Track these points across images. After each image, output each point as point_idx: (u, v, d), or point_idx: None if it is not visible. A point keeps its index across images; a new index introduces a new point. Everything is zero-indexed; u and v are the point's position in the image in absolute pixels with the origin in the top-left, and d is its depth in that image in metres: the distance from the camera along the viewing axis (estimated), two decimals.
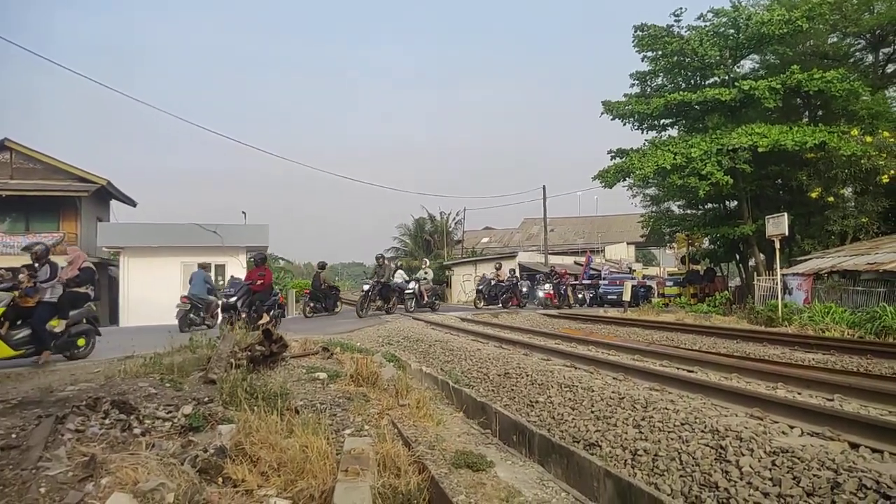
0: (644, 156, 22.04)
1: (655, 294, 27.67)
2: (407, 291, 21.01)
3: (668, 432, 5.00)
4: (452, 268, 42.97)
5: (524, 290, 25.55)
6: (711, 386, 6.51)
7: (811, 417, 5.05)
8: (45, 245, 9.02)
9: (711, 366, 8.33)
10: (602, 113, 24.65)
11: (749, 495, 3.82)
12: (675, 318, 18.38)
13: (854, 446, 4.46)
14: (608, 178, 23.59)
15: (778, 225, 16.76)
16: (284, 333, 8.79)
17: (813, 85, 19.76)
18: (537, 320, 19.07)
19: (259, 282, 13.07)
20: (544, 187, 39.41)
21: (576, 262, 38.71)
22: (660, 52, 22.99)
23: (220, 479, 3.76)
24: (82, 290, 9.23)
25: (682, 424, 5.07)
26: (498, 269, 25.48)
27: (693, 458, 4.48)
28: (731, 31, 21.92)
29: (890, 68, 24.39)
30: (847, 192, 21.69)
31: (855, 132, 19.58)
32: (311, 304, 21.16)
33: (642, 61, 24.07)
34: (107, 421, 4.38)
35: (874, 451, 4.34)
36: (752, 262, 24.35)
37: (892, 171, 18.84)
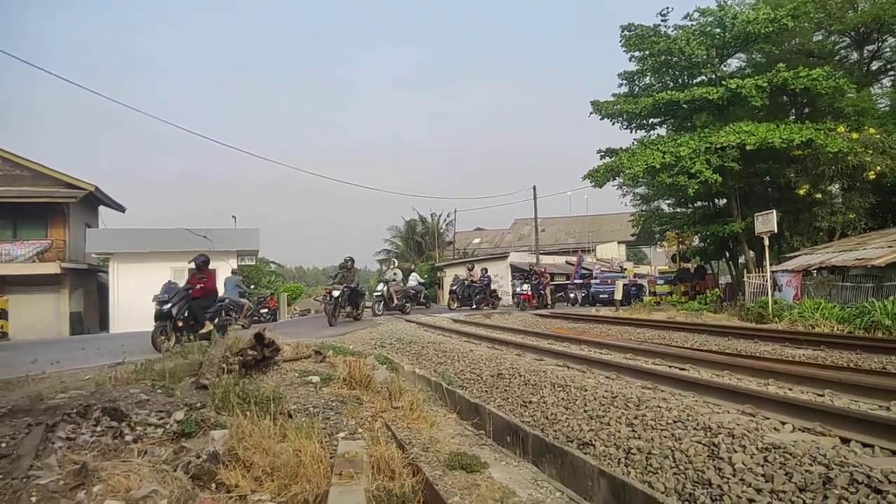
0: (633, 155, 22.13)
1: (647, 293, 27.81)
2: (375, 294, 20.36)
3: (661, 430, 5.02)
4: (444, 269, 42.96)
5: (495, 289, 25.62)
6: (703, 383, 6.54)
7: (802, 413, 5.08)
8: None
9: (703, 363, 8.37)
10: (591, 113, 24.73)
11: (742, 492, 3.84)
12: (667, 317, 18.46)
13: (845, 441, 4.49)
14: (598, 177, 23.66)
15: (767, 222, 16.87)
16: (276, 337, 8.76)
17: (799, 83, 19.90)
18: (529, 320, 19.10)
19: (199, 286, 11.92)
20: (535, 188, 39.54)
21: (567, 262, 38.85)
22: (647, 52, 23.09)
23: (213, 485, 3.73)
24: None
25: (675, 422, 5.10)
26: (470, 269, 25.23)
27: (686, 455, 4.50)
28: (718, 30, 22.05)
29: (874, 65, 24.62)
30: (834, 188, 21.85)
31: (841, 129, 19.75)
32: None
33: (630, 61, 24.19)
34: (98, 428, 4.34)
35: (865, 445, 4.38)
36: (741, 260, 24.49)
37: (879, 168, 18.99)
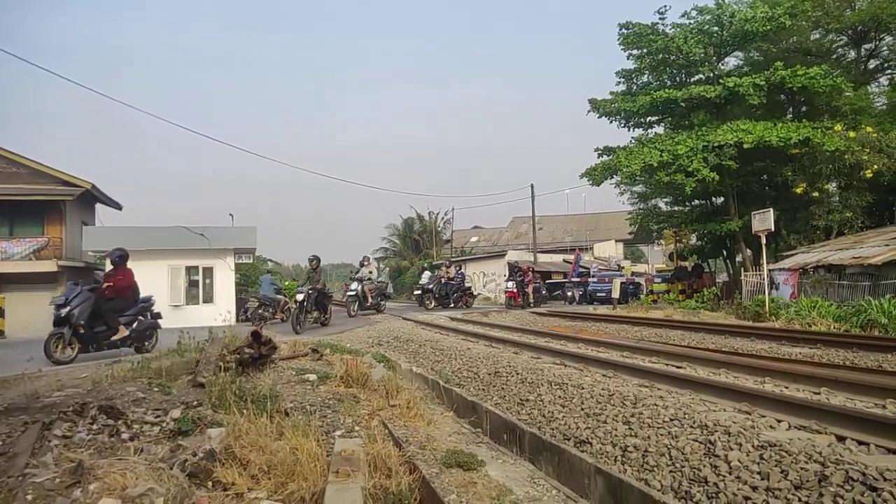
0: (631, 153, 22.16)
1: (644, 291, 27.83)
2: (349, 294, 19.49)
3: (658, 428, 5.03)
4: (441, 268, 42.91)
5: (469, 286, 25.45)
6: (700, 381, 6.55)
7: (798, 411, 5.09)
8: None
9: (700, 361, 8.38)
10: (588, 111, 24.75)
11: (738, 489, 3.85)
12: (664, 315, 18.48)
13: (841, 439, 4.50)
14: (596, 175, 23.69)
15: (764, 220, 16.90)
16: (274, 335, 8.76)
17: (796, 81, 19.94)
18: (527, 319, 19.11)
19: (106, 285, 10.55)
20: (532, 186, 39.49)
21: (565, 260, 38.83)
22: (645, 50, 23.11)
23: (210, 483, 3.73)
24: None
25: (672, 420, 5.10)
26: (447, 266, 24.87)
27: (682, 453, 4.51)
28: (715, 28, 22.08)
29: (872, 64, 24.66)
30: (831, 187, 21.89)
31: (838, 128, 19.78)
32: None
33: (628, 59, 24.21)
34: (94, 426, 4.34)
35: (860, 443, 4.39)
36: (739, 258, 24.54)
37: (876, 166, 19.02)
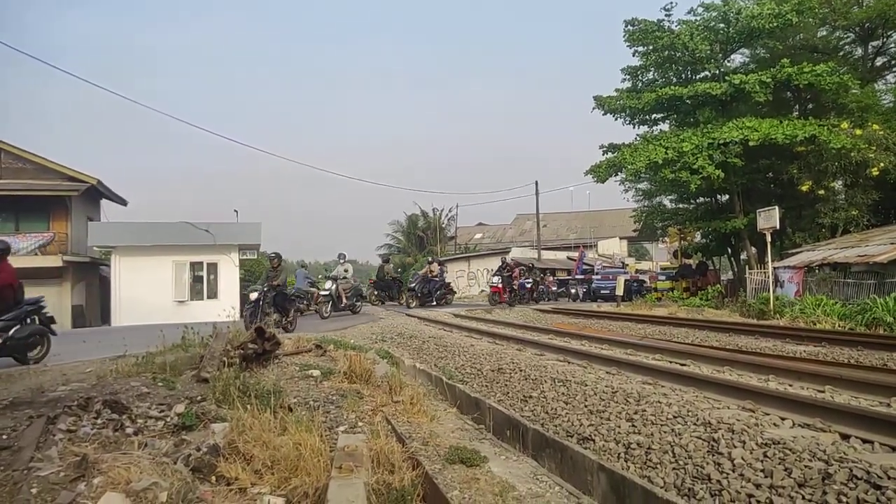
0: (636, 150, 22.12)
1: (648, 288, 27.80)
2: (322, 293, 17.72)
3: (661, 425, 5.02)
4: (445, 264, 42.98)
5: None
6: (704, 379, 6.54)
7: (802, 409, 5.08)
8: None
9: (704, 359, 8.37)
10: (594, 108, 24.71)
11: (741, 487, 3.84)
12: (668, 312, 18.45)
13: (845, 437, 4.49)
14: (600, 172, 23.65)
15: (769, 218, 16.85)
16: (277, 331, 8.78)
17: (803, 78, 19.87)
18: (531, 315, 19.10)
19: None
20: (537, 183, 39.45)
21: (569, 258, 38.88)
22: (650, 47, 23.06)
23: (214, 478, 3.75)
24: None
25: (675, 417, 5.09)
26: (430, 263, 24.19)
27: (686, 450, 4.50)
28: (722, 25, 22.01)
29: (879, 61, 24.56)
30: (837, 184, 21.83)
31: (845, 125, 19.70)
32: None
33: (633, 56, 24.16)
34: (99, 421, 4.36)
35: (865, 441, 4.38)
36: (743, 256, 24.48)
37: (882, 164, 18.95)
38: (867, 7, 22.28)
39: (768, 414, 5.14)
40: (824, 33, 24.77)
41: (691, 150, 20.18)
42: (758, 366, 7.57)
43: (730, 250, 26.62)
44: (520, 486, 4.33)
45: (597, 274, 30.49)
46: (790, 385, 6.54)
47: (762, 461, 4.03)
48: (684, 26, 22.21)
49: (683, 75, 24.04)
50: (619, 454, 4.92)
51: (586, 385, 6.59)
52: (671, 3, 22.56)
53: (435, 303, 22.39)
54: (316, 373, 7.08)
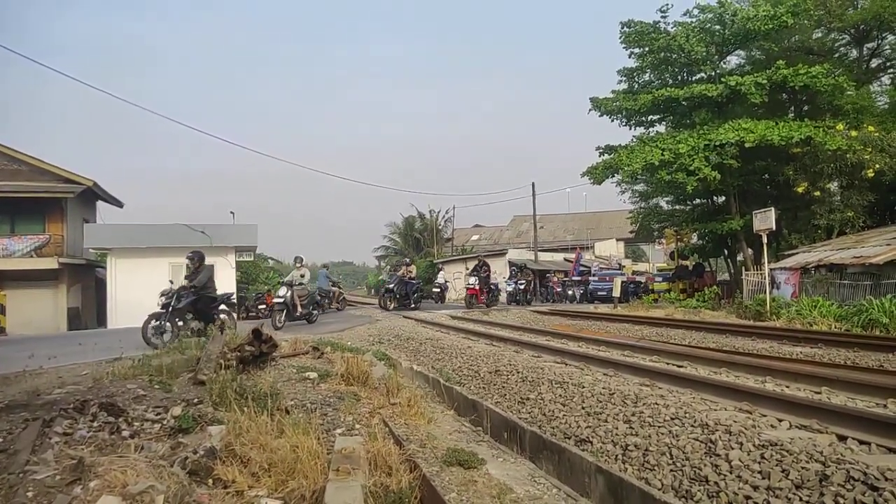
0: (632, 152, 22.14)
1: (645, 290, 27.82)
2: (276, 300, 15.84)
3: (659, 427, 5.02)
4: (442, 266, 42.97)
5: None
6: (701, 380, 6.55)
7: (799, 410, 5.09)
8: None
9: (701, 360, 8.38)
10: (590, 109, 24.74)
11: (739, 488, 3.84)
12: (665, 314, 18.47)
13: (842, 438, 4.50)
14: (597, 174, 23.66)
15: (765, 220, 16.88)
16: (274, 333, 8.76)
17: (798, 80, 19.91)
18: (528, 317, 19.11)
19: None
20: (533, 184, 39.45)
21: (566, 259, 38.83)
22: (647, 49, 23.09)
23: (211, 481, 3.73)
24: None
25: (672, 419, 5.10)
26: (407, 265, 23.40)
27: (683, 452, 4.50)
28: (717, 27, 22.05)
29: (874, 63, 24.64)
30: (833, 186, 21.86)
31: (840, 127, 19.76)
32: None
33: (630, 58, 24.20)
34: (95, 423, 4.34)
35: (861, 443, 4.39)
36: (740, 257, 24.52)
37: (877, 166, 19.00)
38: (862, 9, 22.35)
39: (765, 415, 5.15)
40: (819, 35, 24.83)
41: (687, 151, 20.21)
42: (755, 367, 7.59)
43: (726, 252, 26.66)
44: (517, 488, 4.32)
45: (594, 275, 30.50)
46: (787, 386, 6.55)
47: (759, 463, 4.04)
48: (680, 28, 22.24)
49: (679, 77, 24.08)
50: (616, 456, 4.93)
51: (584, 387, 6.60)
52: (667, 5, 22.61)
53: (413, 305, 21.74)
54: (313, 375, 7.06)
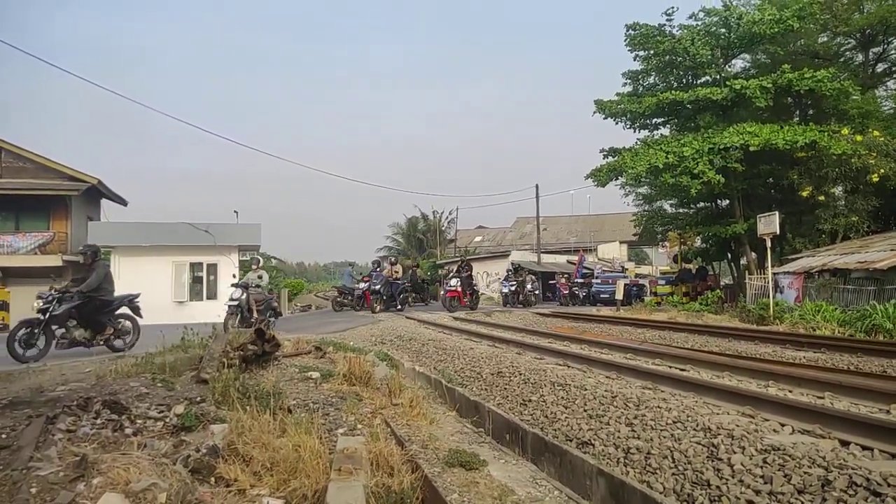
0: (636, 155, 22.09)
1: (648, 293, 27.77)
2: (230, 304, 13.97)
3: (661, 430, 5.02)
4: (445, 267, 42.98)
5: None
6: (703, 384, 6.54)
7: (802, 415, 5.08)
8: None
9: (703, 364, 8.37)
10: (594, 112, 24.69)
11: (741, 493, 3.84)
12: (668, 317, 18.44)
13: (844, 444, 4.49)
14: (601, 176, 23.63)
15: (769, 224, 16.85)
16: (277, 333, 8.77)
17: (804, 84, 19.87)
18: (530, 319, 19.10)
19: None
20: (537, 186, 39.44)
21: (568, 261, 38.82)
22: (651, 52, 23.04)
23: (213, 479, 3.75)
24: None
25: (675, 423, 5.09)
26: (393, 264, 22.49)
27: (685, 456, 4.50)
28: (723, 30, 22.01)
29: (880, 68, 24.55)
30: (837, 190, 21.82)
31: (845, 131, 19.69)
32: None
33: (634, 60, 24.13)
34: (98, 421, 4.36)
35: (864, 448, 4.38)
36: (743, 261, 24.46)
37: (882, 170, 18.94)
38: (868, 13, 22.29)
39: (768, 420, 5.14)
40: (825, 39, 24.77)
41: (692, 154, 20.17)
42: (757, 371, 7.57)
43: (730, 255, 26.60)
44: (519, 490, 4.32)
45: (596, 278, 30.46)
46: (790, 391, 6.54)
47: (762, 467, 4.03)
48: (685, 31, 22.20)
49: (684, 80, 24.04)
50: (618, 459, 4.92)
51: (586, 389, 6.59)
52: (672, 8, 22.60)
53: (399, 306, 21.02)
54: (315, 375, 7.08)
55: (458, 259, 23.63)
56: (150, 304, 11.66)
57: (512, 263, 27.99)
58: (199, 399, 5.24)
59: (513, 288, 25.14)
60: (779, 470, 3.93)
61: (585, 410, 6.01)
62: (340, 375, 7.00)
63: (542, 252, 40.21)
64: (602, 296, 27.76)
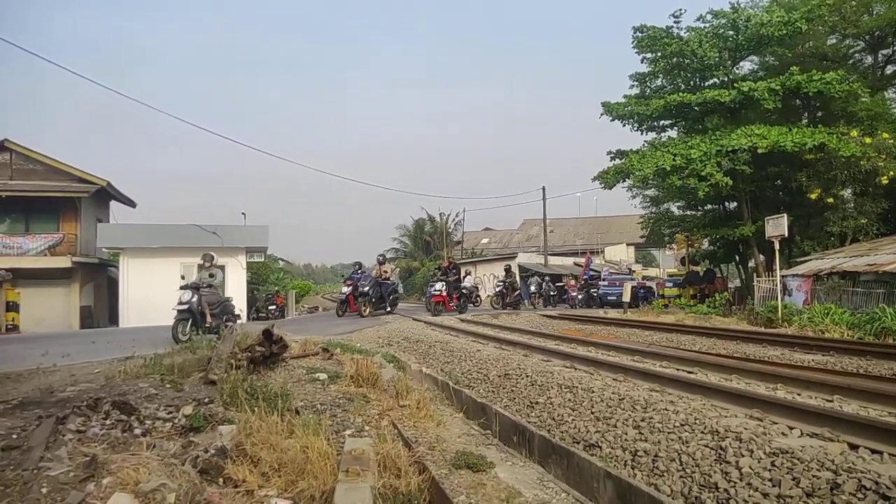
0: (643, 157, 22.06)
1: (655, 295, 27.70)
2: (179, 307, 12.02)
3: (668, 433, 5.01)
4: (377, 266, 42.81)
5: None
6: (711, 387, 6.52)
7: (811, 418, 5.05)
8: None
9: (711, 367, 8.33)
10: (602, 114, 24.68)
11: (749, 496, 3.83)
12: (675, 320, 18.38)
13: (853, 447, 4.46)
14: (608, 179, 23.60)
15: (777, 226, 16.78)
16: (284, 334, 8.80)
17: (812, 86, 19.79)
18: (537, 321, 19.07)
19: None
20: (544, 188, 39.48)
21: (575, 263, 38.78)
22: (659, 54, 23.01)
23: (221, 480, 3.76)
24: None
25: (682, 425, 5.08)
26: (382, 263, 21.54)
27: (693, 458, 4.49)
28: (731, 32, 21.95)
29: (889, 70, 24.42)
30: (846, 193, 21.71)
31: (854, 133, 19.61)
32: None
33: (642, 62, 24.12)
34: (107, 421, 4.39)
35: (873, 451, 4.35)
36: (751, 264, 24.37)
37: (892, 173, 18.86)
38: (877, 15, 22.17)
39: (776, 423, 5.12)
40: (834, 41, 24.66)
41: (699, 157, 20.12)
42: (766, 374, 7.53)
43: (737, 258, 26.50)
44: (526, 492, 4.32)
45: (604, 280, 30.41)
46: (798, 394, 6.51)
47: (770, 470, 4.02)
48: (693, 33, 22.16)
49: (692, 82, 23.98)
50: (625, 461, 4.91)
51: (593, 391, 6.58)
52: (680, 10, 22.56)
53: (389, 308, 20.14)
54: (323, 376, 7.10)
55: (449, 262, 22.47)
56: (159, 306, 11.68)
57: (504, 267, 27.37)
58: (207, 400, 5.26)
59: (498, 289, 24.69)
60: (787, 473, 3.91)
61: (593, 413, 6.00)
62: (348, 377, 7.02)
63: (550, 254, 40.16)
64: (609, 298, 27.69)
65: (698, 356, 9.82)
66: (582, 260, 36.23)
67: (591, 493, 4.50)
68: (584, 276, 30.19)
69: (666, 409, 5.52)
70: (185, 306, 12.04)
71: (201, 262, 13.89)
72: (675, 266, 34.18)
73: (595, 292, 28.61)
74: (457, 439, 5.61)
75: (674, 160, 20.50)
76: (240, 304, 20.75)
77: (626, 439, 5.21)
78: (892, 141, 19.33)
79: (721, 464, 4.29)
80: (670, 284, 28.53)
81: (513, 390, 7.64)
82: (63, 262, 23.28)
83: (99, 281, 26.86)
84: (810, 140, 19.02)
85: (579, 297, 28.32)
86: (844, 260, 17.31)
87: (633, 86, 25.25)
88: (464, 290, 22.02)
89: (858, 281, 16.03)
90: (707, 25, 22.33)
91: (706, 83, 23.44)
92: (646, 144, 24.50)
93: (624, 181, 23.97)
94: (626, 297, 25.00)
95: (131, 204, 30.16)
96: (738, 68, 24.05)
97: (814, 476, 3.79)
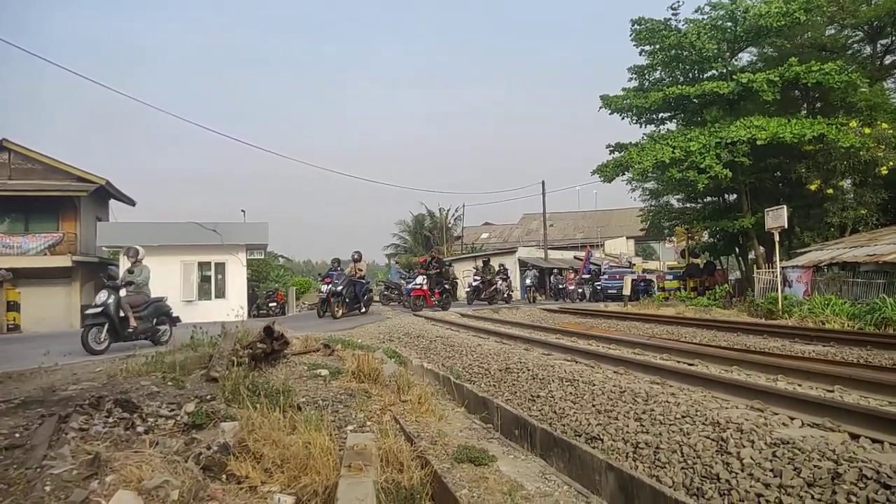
0: (643, 150, 22.05)
1: (655, 288, 27.71)
2: (93, 310, 10.06)
3: (670, 425, 5.02)
4: (452, 263, 42.98)
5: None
6: (712, 378, 6.53)
7: (811, 409, 5.07)
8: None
9: (712, 359, 8.34)
10: (600, 107, 24.65)
11: (750, 486, 3.84)
12: (676, 312, 18.39)
13: (854, 437, 4.48)
14: (607, 172, 23.59)
15: (777, 217, 16.78)
16: (285, 330, 8.81)
17: (811, 77, 19.76)
18: (537, 315, 19.09)
19: None
20: (543, 182, 39.43)
21: (575, 257, 38.76)
22: (657, 46, 22.98)
23: (224, 476, 3.78)
24: None
25: (683, 417, 5.09)
26: (356, 261, 19.51)
27: (694, 450, 4.50)
28: (729, 23, 21.92)
29: (888, 60, 24.38)
30: (846, 184, 21.71)
31: (853, 124, 19.59)
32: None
33: (640, 55, 24.10)
34: (110, 419, 4.39)
35: (874, 441, 4.36)
36: (751, 255, 24.39)
37: (891, 163, 18.85)
38: (876, 5, 22.12)
39: (777, 414, 5.13)
40: (832, 32, 24.61)
41: (698, 149, 20.11)
42: (766, 365, 7.55)
43: (737, 250, 26.52)
44: (528, 485, 4.33)
45: (604, 273, 30.40)
46: (799, 385, 6.52)
47: (771, 461, 4.03)
48: (691, 25, 22.13)
49: (690, 74, 23.95)
50: (627, 453, 4.93)
51: (594, 384, 6.59)
52: (678, 2, 22.51)
53: (363, 308, 19.04)
54: (324, 372, 7.11)
55: (430, 256, 21.88)
56: None
57: (482, 260, 26.55)
58: (209, 397, 5.27)
59: (474, 284, 23.83)
60: (788, 463, 3.93)
61: (594, 406, 6.01)
62: (349, 373, 7.03)
63: (549, 248, 40.15)
64: (609, 291, 27.70)
65: (699, 348, 9.83)
66: (582, 254, 36.21)
67: (593, 486, 4.51)
68: (585, 271, 30.17)
69: (667, 401, 5.53)
70: (98, 309, 10.06)
71: (128, 256, 12.09)
72: (675, 259, 34.24)
73: (599, 286, 28.59)
74: (458, 433, 5.62)
75: (673, 153, 20.49)
76: (240, 302, 20.77)
77: (627, 432, 5.23)
78: (891, 131, 19.31)
79: (722, 455, 4.31)
80: (670, 277, 28.56)
81: (514, 384, 7.66)
82: (63, 261, 23.27)
83: (99, 280, 26.84)
84: (809, 131, 19.00)
85: (578, 290, 28.29)
86: (844, 251, 17.32)
87: (631, 79, 25.23)
88: (446, 286, 21.30)
89: (858, 271, 16.04)
90: (705, 17, 22.32)
91: (705, 75, 23.42)
92: (645, 137, 24.47)
93: (623, 174, 23.97)
94: (627, 291, 25.00)
95: (131, 203, 30.14)
96: (736, 60, 24.03)
97: (815, 466, 3.81)
